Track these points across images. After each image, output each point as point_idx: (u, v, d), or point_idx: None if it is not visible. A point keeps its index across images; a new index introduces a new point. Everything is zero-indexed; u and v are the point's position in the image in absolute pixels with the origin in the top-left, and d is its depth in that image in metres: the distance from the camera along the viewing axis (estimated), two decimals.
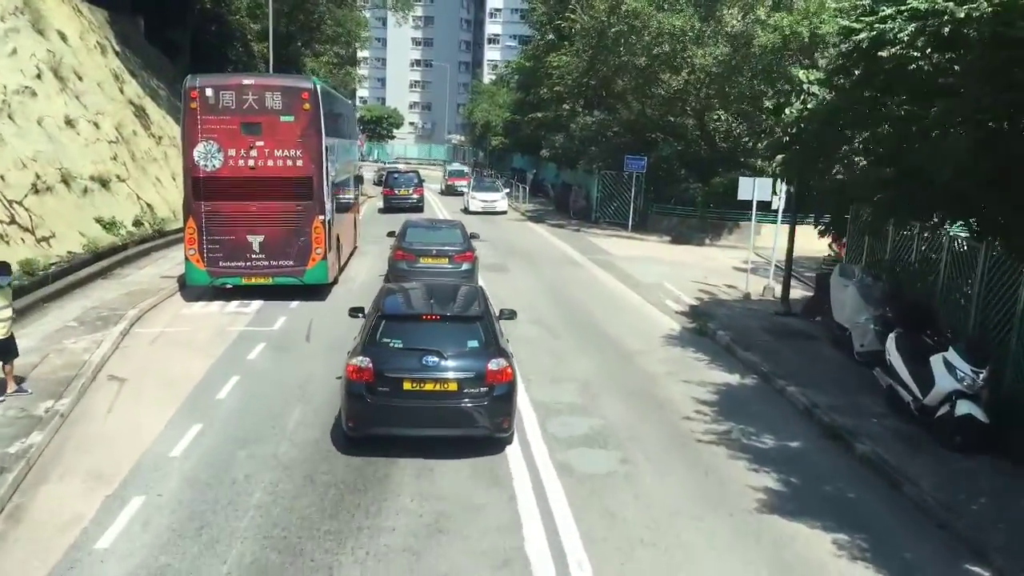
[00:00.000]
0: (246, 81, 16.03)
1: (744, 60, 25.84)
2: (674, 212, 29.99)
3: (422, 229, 18.03)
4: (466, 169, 55.64)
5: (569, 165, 39.22)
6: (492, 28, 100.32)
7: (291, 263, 15.91)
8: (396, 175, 36.52)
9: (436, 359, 8.56)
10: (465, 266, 16.41)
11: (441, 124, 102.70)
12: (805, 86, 13.37)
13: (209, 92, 15.36)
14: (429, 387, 8.48)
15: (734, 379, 12.45)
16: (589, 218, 34.18)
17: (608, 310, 17.15)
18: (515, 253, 24.62)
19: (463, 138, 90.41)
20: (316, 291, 16.50)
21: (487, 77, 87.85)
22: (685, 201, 29.64)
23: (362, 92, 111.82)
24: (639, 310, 17.43)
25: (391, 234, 18.42)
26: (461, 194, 40.69)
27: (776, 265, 18.99)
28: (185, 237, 16.05)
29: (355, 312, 10.25)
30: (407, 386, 8.46)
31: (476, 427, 8.61)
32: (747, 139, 29.75)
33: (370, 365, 8.46)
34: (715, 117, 30.15)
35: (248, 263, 15.83)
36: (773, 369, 12.60)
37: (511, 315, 10.62)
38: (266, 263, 15.89)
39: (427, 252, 16.46)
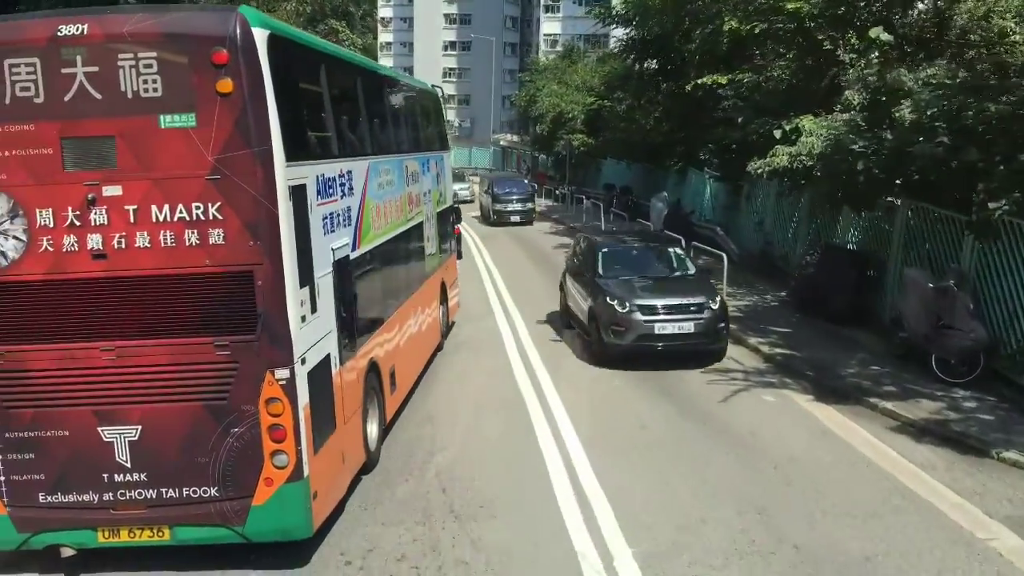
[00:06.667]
0: (66, 29, 5.51)
1: None
2: None
3: None
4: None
5: (861, 204, 15.54)
6: None
7: (212, 490, 6.00)
8: None
9: None
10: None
11: (484, 122, 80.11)
12: None
13: None
14: None
15: None
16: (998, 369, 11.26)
17: None
18: None
19: (515, 138, 68.18)
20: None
21: (544, 57, 65.10)
22: None
23: None
24: None
25: None
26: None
27: None
28: None
29: None
30: None
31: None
32: None
33: None
34: None
35: (107, 493, 6.04)
36: None
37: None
38: (151, 491, 6.03)
39: None
